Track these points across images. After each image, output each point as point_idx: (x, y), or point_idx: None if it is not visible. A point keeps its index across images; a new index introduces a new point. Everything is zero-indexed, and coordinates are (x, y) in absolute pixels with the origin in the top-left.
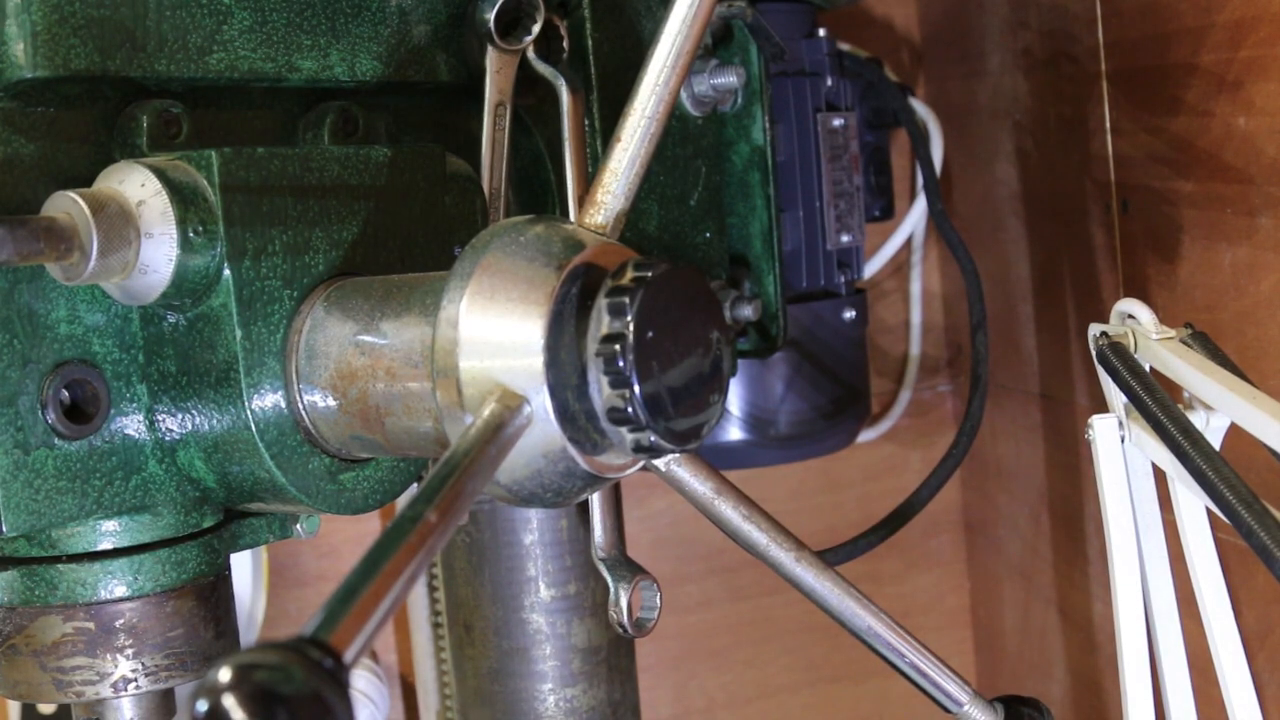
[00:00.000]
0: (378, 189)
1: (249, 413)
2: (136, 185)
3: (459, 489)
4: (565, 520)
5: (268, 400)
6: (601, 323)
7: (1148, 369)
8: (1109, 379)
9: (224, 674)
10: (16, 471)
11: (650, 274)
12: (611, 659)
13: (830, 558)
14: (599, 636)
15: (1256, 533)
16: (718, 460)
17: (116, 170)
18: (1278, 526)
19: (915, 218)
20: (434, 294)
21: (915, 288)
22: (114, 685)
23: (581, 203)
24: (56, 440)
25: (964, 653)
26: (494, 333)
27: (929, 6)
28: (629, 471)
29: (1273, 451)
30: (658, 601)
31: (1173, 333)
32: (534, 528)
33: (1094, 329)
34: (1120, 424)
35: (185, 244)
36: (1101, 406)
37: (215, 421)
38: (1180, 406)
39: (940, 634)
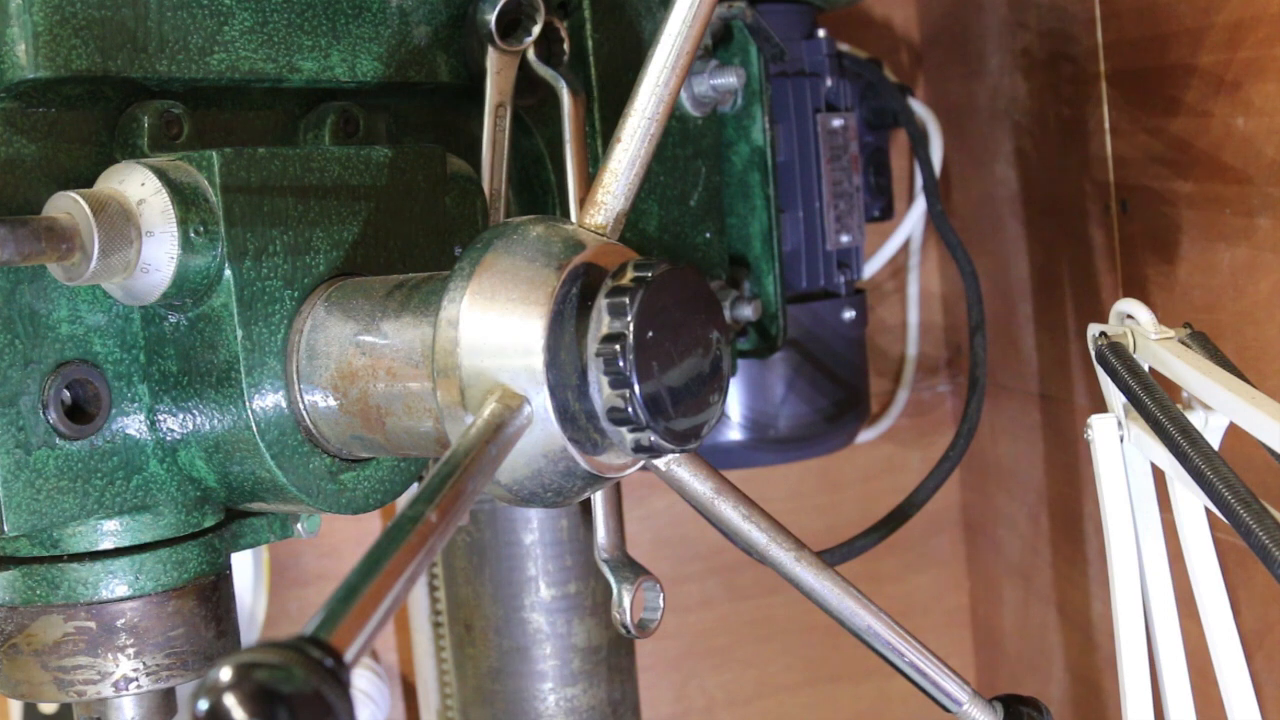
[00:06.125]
0: (378, 189)
1: (250, 413)
2: (137, 185)
3: (459, 489)
4: (565, 520)
5: (269, 400)
6: (602, 323)
7: (1147, 369)
8: (1108, 379)
9: (225, 673)
10: (18, 471)
11: (650, 274)
12: (611, 658)
13: (829, 557)
14: (599, 636)
15: (1255, 532)
16: (717, 460)
17: (117, 170)
18: (1276, 526)
19: (915, 218)
20: (435, 294)
21: (914, 288)
22: (115, 684)
23: (582, 203)
24: (58, 440)
25: (963, 652)
26: (494, 332)
27: (929, 7)
28: (629, 471)
29: (1271, 451)
30: (660, 602)
31: (1171, 333)
32: (534, 527)
33: (1093, 329)
34: (1119, 424)
35: (186, 244)
36: (1101, 406)
37: (216, 421)
38: (1179, 406)
39: (940, 633)
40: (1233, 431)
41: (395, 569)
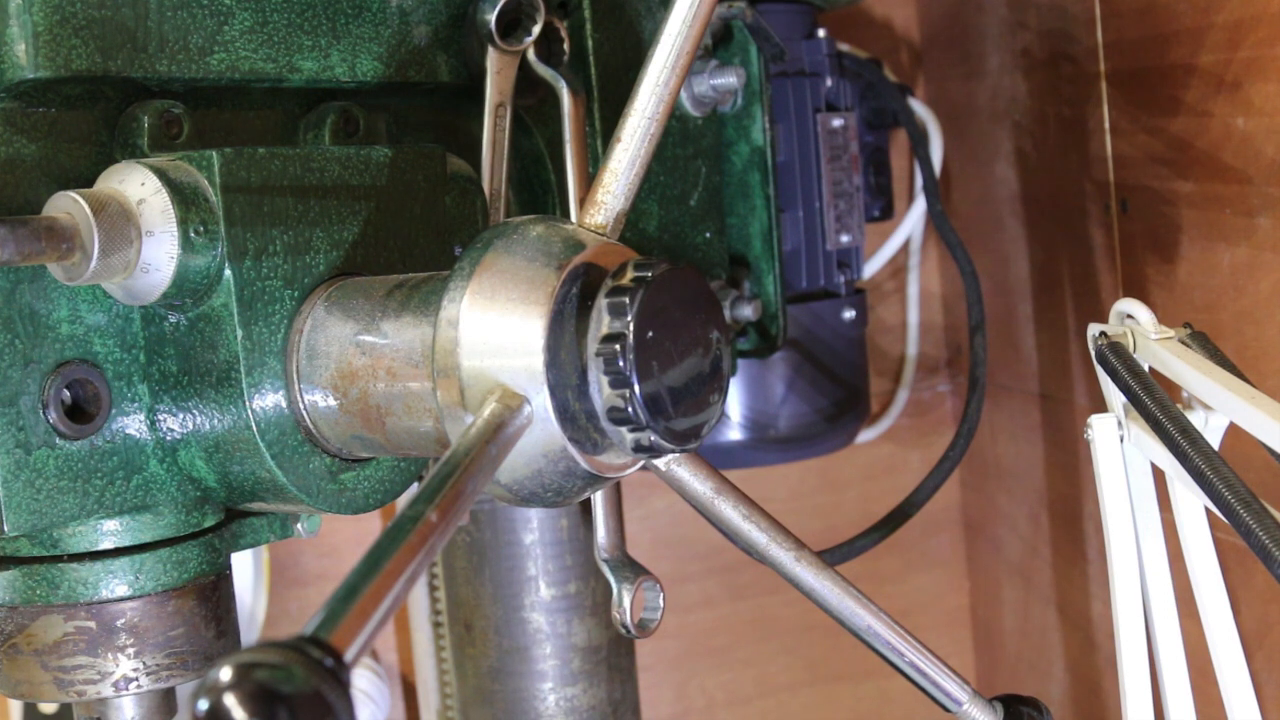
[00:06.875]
0: (378, 189)
1: (250, 412)
2: (136, 184)
3: (459, 488)
4: (565, 520)
5: (269, 400)
6: (602, 323)
7: (1147, 369)
8: (1108, 379)
9: (225, 673)
10: (18, 471)
11: (650, 274)
12: (612, 658)
13: (830, 557)
14: (599, 636)
15: (1255, 532)
16: (717, 460)
17: (117, 170)
18: (1276, 526)
19: (915, 218)
20: (435, 294)
21: (914, 288)
22: (115, 684)
23: (582, 203)
24: (58, 440)
25: (963, 652)
26: (494, 332)
27: (929, 7)
28: (629, 471)
29: (1271, 451)
30: (660, 602)
31: (1171, 333)
32: (534, 527)
33: (1093, 329)
34: (1119, 424)
35: (186, 243)
36: (1101, 406)
37: (216, 421)
38: (1179, 406)
39: (939, 633)
40: (1233, 431)
41: (395, 569)
